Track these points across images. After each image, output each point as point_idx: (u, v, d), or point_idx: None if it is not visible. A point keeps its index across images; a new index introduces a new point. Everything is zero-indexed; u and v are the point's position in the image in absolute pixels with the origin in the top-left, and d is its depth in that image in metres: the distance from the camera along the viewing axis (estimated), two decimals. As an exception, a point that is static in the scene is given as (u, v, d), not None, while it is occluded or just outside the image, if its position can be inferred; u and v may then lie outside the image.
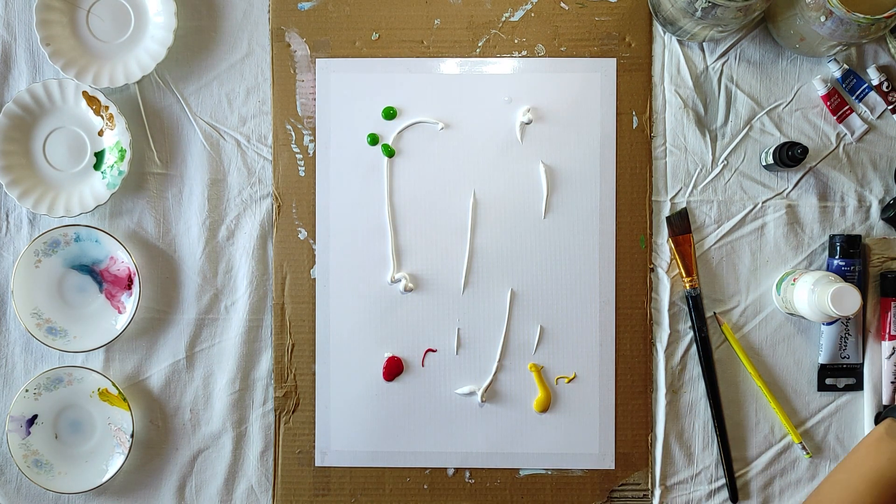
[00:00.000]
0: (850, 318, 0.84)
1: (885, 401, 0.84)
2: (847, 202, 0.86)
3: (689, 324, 0.86)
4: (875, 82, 0.85)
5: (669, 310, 0.86)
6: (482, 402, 0.86)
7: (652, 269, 0.86)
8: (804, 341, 0.86)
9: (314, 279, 0.87)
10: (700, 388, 0.86)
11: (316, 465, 0.87)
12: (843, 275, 0.83)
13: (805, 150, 0.81)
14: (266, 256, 0.87)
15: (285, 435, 0.87)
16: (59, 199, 0.86)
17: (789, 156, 0.82)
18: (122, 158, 0.85)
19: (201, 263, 0.87)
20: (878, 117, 0.86)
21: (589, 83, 0.86)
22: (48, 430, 0.87)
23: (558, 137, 0.86)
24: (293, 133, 0.87)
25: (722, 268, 0.86)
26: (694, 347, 0.86)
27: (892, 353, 0.84)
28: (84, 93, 0.85)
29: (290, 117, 0.87)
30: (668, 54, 0.86)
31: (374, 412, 0.87)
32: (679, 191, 0.86)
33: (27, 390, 0.85)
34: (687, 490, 0.86)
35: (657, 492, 0.86)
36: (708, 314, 0.86)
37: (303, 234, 0.87)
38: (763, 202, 0.86)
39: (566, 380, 0.86)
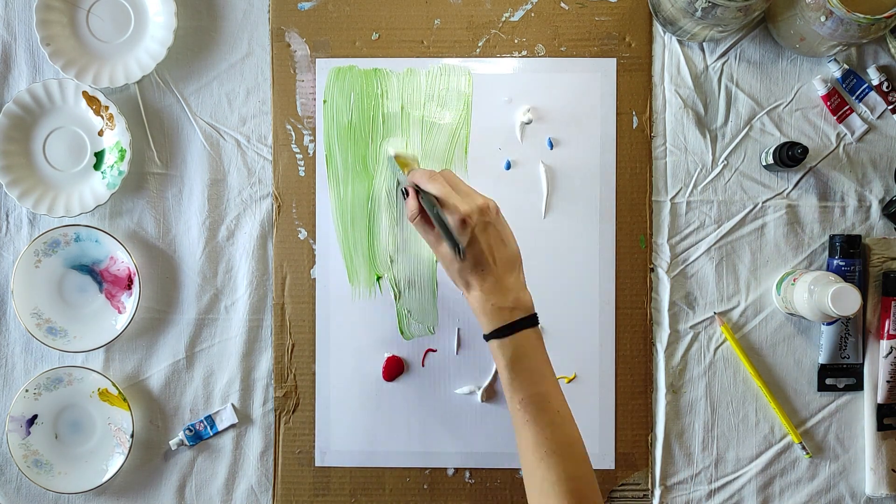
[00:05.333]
0: (850, 318, 0.84)
1: (881, 400, 0.84)
2: (847, 202, 0.86)
3: (690, 324, 0.86)
4: (875, 82, 0.85)
5: (669, 310, 0.86)
6: (482, 401, 0.86)
7: (652, 269, 0.86)
8: (804, 341, 0.86)
9: (314, 279, 0.87)
10: (700, 388, 0.86)
11: (316, 465, 0.87)
12: (843, 275, 0.83)
13: (805, 150, 0.81)
14: (266, 256, 0.87)
15: (285, 435, 0.87)
16: (59, 199, 0.86)
17: (789, 156, 0.82)
18: (122, 158, 0.85)
19: (201, 263, 0.87)
20: (878, 117, 0.86)
21: (589, 83, 0.86)
22: (48, 430, 0.87)
23: (558, 137, 0.86)
24: (293, 133, 0.87)
25: (722, 268, 0.86)
26: (694, 347, 0.86)
27: (890, 353, 0.84)
28: (84, 93, 0.85)
29: (290, 117, 0.87)
30: (668, 54, 0.86)
31: (374, 412, 0.87)
32: (679, 191, 0.86)
33: (27, 390, 0.85)
34: (687, 490, 0.86)
35: (657, 492, 0.86)
36: (708, 314, 0.86)
37: (303, 234, 0.87)
38: (763, 202, 0.86)
39: (566, 380, 0.86)
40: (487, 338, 0.71)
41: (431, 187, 0.71)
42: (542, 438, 0.68)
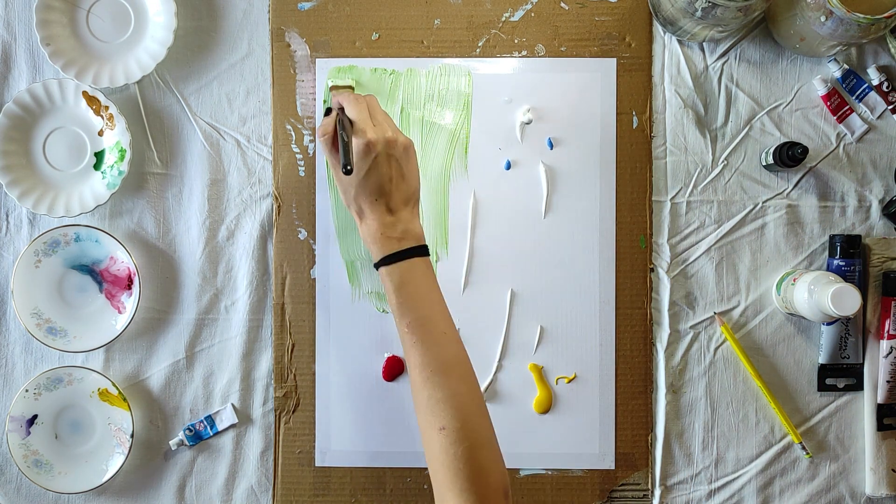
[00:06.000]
0: (850, 318, 0.84)
1: (881, 400, 0.84)
2: (847, 202, 0.86)
3: (690, 324, 0.86)
4: (875, 82, 0.85)
5: (669, 310, 0.86)
6: (482, 402, 0.86)
7: (652, 269, 0.86)
8: (804, 341, 0.86)
9: (314, 279, 0.87)
10: (700, 388, 0.86)
11: (316, 465, 0.87)
12: (843, 275, 0.83)
13: (805, 150, 0.81)
14: (266, 256, 0.87)
15: (285, 435, 0.87)
16: (59, 199, 0.86)
17: (789, 156, 0.82)
18: (122, 158, 0.85)
19: (201, 263, 0.87)
20: (878, 117, 0.86)
21: (589, 83, 0.86)
22: (48, 430, 0.87)
23: (558, 137, 0.86)
24: (293, 133, 0.87)
25: (722, 268, 0.86)
26: (694, 347, 0.86)
27: (890, 352, 0.84)
28: (84, 93, 0.85)
29: (290, 117, 0.87)
30: (668, 54, 0.86)
31: (374, 412, 0.87)
32: (679, 191, 0.87)
33: (27, 390, 0.85)
34: (687, 490, 0.86)
35: (657, 492, 0.86)
36: (708, 314, 0.86)
37: (303, 234, 0.87)
38: (763, 202, 0.86)
39: (566, 380, 0.86)
40: (377, 266, 0.74)
41: (351, 109, 0.74)
42: (428, 358, 0.71)
